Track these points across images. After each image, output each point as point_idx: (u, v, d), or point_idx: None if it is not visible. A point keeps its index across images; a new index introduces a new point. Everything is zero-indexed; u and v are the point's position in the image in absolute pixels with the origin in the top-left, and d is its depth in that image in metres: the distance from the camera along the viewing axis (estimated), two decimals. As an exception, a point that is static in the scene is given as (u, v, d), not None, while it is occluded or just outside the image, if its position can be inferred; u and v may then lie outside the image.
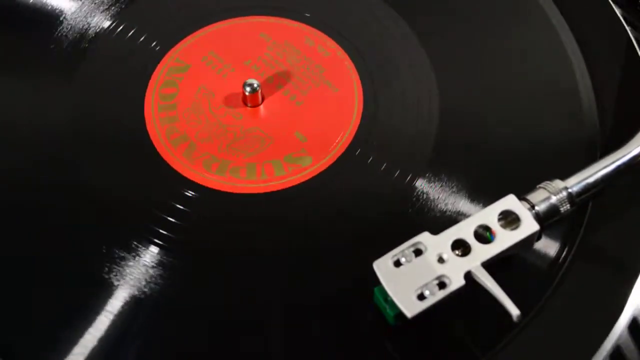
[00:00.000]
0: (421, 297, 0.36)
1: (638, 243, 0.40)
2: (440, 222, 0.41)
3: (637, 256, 0.40)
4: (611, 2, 0.49)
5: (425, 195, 0.42)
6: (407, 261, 0.37)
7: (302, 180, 0.43)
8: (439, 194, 0.42)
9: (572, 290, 0.39)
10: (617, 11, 0.48)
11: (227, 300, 0.39)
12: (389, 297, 0.36)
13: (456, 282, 0.36)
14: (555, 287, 0.39)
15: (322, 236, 0.41)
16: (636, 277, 0.39)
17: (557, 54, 0.47)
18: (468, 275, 0.36)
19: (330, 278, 0.40)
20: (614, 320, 0.38)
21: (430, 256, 0.37)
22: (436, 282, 0.36)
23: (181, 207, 0.42)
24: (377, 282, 0.37)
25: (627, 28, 0.48)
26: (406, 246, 0.37)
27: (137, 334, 0.38)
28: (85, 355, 0.38)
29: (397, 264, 0.37)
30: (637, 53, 0.47)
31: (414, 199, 0.42)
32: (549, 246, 0.40)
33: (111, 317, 0.39)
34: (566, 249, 0.40)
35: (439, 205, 0.42)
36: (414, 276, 0.36)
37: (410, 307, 0.36)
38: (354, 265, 0.39)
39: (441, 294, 0.36)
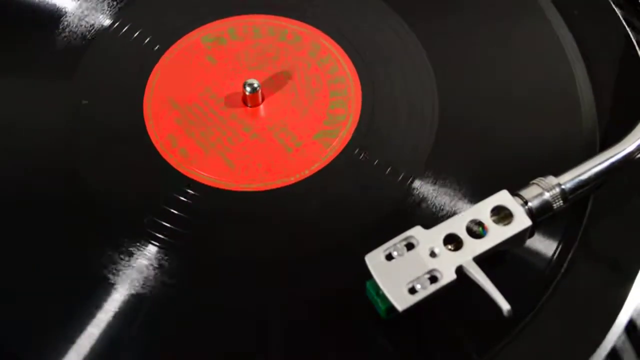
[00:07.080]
0: (412, 290, 0.36)
1: (637, 243, 0.40)
2: (438, 221, 0.41)
3: (636, 257, 0.40)
4: (611, 2, 0.49)
5: (423, 195, 0.42)
6: (399, 255, 0.37)
7: (301, 179, 0.43)
8: (437, 193, 0.42)
9: (571, 291, 0.39)
10: (617, 11, 0.48)
11: (226, 300, 0.40)
12: (381, 291, 0.36)
13: (447, 276, 0.36)
14: (554, 288, 0.39)
15: (321, 235, 0.41)
16: (634, 278, 0.39)
17: (556, 54, 0.47)
18: (459, 270, 0.37)
19: (328, 277, 0.40)
20: (611, 321, 0.38)
21: (422, 250, 0.37)
22: (427, 276, 0.36)
23: (180, 206, 0.42)
24: (369, 276, 0.37)
25: (627, 28, 0.48)
26: (398, 240, 0.37)
27: (136, 334, 0.39)
28: (84, 355, 0.38)
29: (389, 257, 0.37)
30: (637, 53, 0.47)
31: (412, 198, 0.42)
32: (547, 246, 0.40)
33: (110, 316, 0.39)
34: (564, 248, 0.40)
35: (436, 205, 0.42)
36: (405, 270, 0.36)
37: (401, 301, 0.36)
38: (353, 265, 0.39)
39: (432, 288, 0.36)
